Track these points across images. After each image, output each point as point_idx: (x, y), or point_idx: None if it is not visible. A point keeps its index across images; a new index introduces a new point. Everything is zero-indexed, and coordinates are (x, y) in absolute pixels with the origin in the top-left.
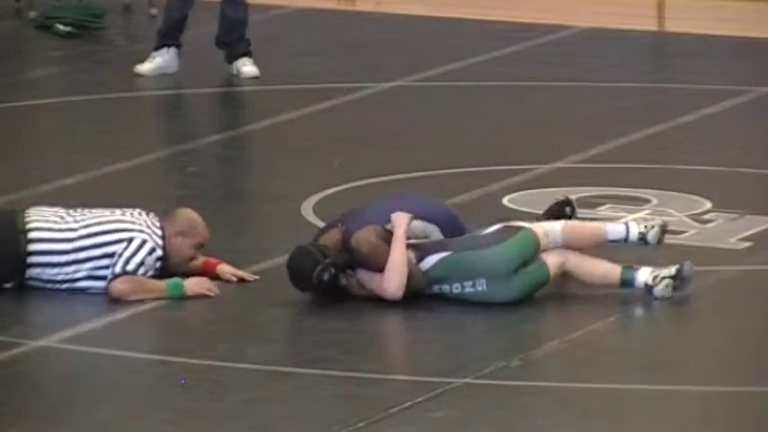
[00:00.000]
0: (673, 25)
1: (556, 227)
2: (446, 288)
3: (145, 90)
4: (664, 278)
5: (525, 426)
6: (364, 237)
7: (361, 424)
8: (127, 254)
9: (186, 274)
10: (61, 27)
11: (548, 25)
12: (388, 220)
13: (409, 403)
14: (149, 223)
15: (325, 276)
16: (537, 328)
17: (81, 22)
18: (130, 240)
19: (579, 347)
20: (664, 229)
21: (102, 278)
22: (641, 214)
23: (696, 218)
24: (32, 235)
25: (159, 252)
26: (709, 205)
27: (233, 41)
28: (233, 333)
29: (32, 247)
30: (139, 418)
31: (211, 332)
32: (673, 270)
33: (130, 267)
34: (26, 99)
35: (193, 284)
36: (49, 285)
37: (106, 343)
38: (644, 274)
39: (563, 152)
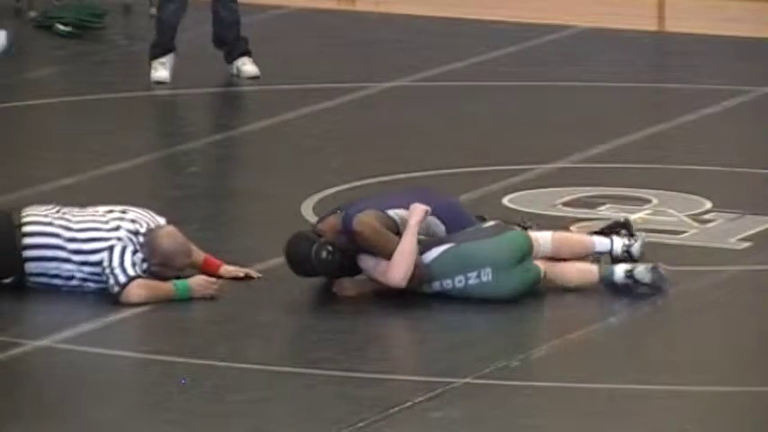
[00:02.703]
0: (673, 25)
1: (546, 235)
2: (448, 283)
3: (145, 90)
4: (642, 265)
5: (525, 426)
6: (367, 221)
7: (361, 424)
8: (115, 263)
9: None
10: (61, 27)
11: (548, 25)
12: (390, 207)
13: (409, 403)
14: (128, 228)
15: (323, 254)
16: (537, 328)
17: (81, 22)
18: (111, 249)
19: (579, 347)
20: (644, 243)
21: (97, 281)
22: (641, 214)
23: (696, 218)
24: (27, 229)
25: (140, 255)
26: (709, 205)
27: (231, 41)
28: (233, 333)
29: (27, 240)
30: (140, 418)
31: (211, 332)
32: (649, 265)
33: (131, 272)
34: (26, 99)
35: (199, 285)
36: (54, 281)
37: (106, 343)
38: (621, 267)
39: (563, 152)
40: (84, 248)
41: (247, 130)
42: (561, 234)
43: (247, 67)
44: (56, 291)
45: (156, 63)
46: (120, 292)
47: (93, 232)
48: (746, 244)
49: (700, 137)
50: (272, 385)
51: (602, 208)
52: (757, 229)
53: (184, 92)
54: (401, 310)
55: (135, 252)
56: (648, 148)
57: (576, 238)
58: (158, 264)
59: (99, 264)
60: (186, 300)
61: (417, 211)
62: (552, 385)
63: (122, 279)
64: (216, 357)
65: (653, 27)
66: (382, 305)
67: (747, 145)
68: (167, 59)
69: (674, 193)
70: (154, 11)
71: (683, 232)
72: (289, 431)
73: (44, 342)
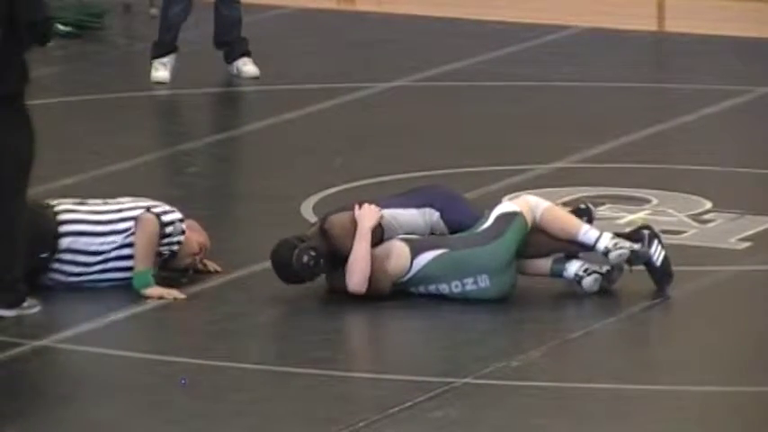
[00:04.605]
0: (673, 25)
1: (540, 205)
2: (444, 288)
3: (145, 90)
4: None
5: (525, 426)
6: (336, 220)
7: (361, 424)
8: (162, 209)
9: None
10: (61, 27)
11: (548, 25)
12: (385, 207)
13: (409, 403)
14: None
15: (305, 258)
16: (537, 328)
17: (81, 22)
18: (164, 207)
19: (579, 347)
20: (633, 257)
21: (120, 258)
22: (641, 214)
23: (696, 218)
24: (59, 208)
25: (183, 225)
26: (709, 205)
27: (232, 40)
28: (233, 333)
29: (62, 217)
30: (140, 418)
31: (211, 332)
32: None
33: (164, 218)
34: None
35: (157, 290)
36: (82, 258)
37: (106, 343)
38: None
39: (563, 152)
40: (115, 218)
41: (247, 130)
42: (553, 210)
43: (248, 67)
44: (56, 290)
45: (157, 63)
46: (144, 211)
47: (126, 203)
48: (746, 244)
49: (700, 137)
50: (272, 385)
51: (602, 208)
52: (757, 229)
53: (184, 92)
54: (401, 311)
55: (181, 220)
56: (648, 148)
57: (565, 220)
58: (189, 228)
59: (127, 231)
60: (137, 289)
61: (368, 216)
62: (552, 385)
63: (157, 210)
64: (216, 357)
65: (653, 27)
66: (382, 305)
67: (747, 145)
68: (168, 60)
69: (674, 193)
70: (154, 11)
71: (683, 232)
72: (289, 431)
73: (44, 342)
